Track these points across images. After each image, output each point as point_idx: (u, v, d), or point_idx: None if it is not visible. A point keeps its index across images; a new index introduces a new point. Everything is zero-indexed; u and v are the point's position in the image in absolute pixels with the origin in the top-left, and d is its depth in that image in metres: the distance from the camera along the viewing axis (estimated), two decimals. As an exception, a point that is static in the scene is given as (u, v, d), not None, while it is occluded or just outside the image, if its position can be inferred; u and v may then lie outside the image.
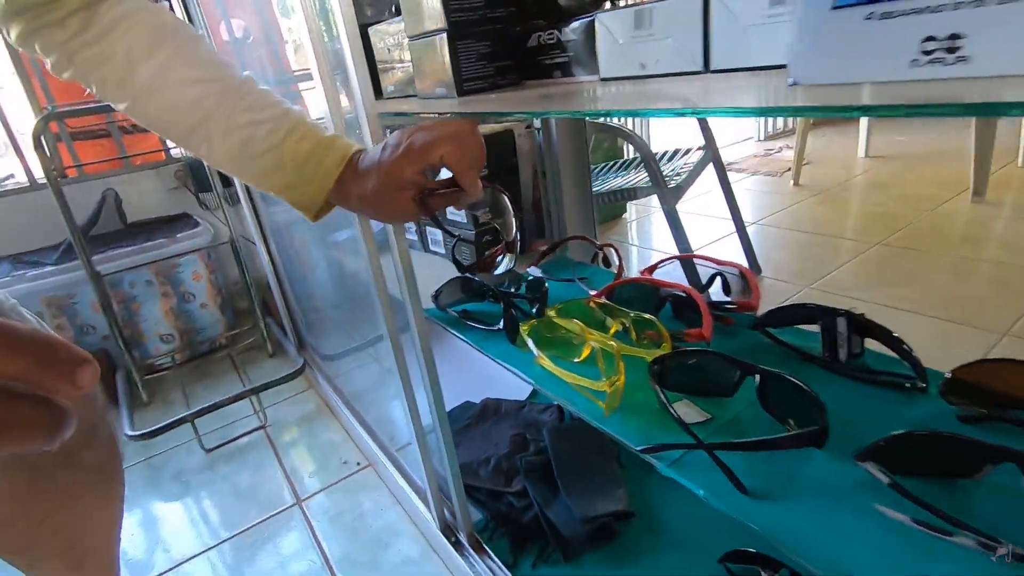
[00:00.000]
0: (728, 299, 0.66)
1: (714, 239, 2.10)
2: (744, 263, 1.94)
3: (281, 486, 1.18)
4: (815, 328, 0.56)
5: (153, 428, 1.28)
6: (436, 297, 0.76)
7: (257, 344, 1.76)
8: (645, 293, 0.67)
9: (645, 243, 2.32)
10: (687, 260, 1.20)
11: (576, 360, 0.59)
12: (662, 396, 0.47)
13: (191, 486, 1.23)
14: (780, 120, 3.83)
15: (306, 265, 1.51)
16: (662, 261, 0.72)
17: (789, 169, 2.84)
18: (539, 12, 0.72)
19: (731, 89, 0.43)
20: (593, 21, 0.61)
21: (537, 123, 0.86)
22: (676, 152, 1.72)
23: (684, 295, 0.62)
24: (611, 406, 0.50)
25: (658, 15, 0.54)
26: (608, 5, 0.66)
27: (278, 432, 1.37)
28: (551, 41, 0.68)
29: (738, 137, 3.85)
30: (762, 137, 3.73)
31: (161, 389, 1.61)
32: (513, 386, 1.23)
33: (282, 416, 1.43)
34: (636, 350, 0.55)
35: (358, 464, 1.21)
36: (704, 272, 0.75)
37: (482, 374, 1.29)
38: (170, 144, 1.86)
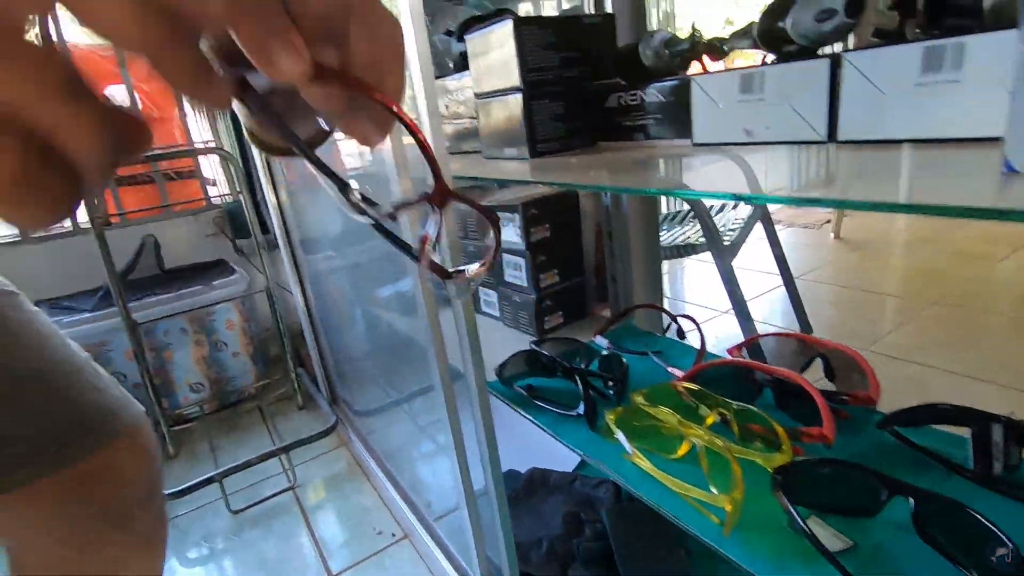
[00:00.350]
0: (834, 386, 0.59)
1: (757, 294, 2.03)
2: (795, 322, 1.85)
3: (310, 559, 1.10)
4: (952, 427, 0.49)
5: (180, 488, 1.22)
6: (501, 371, 0.70)
7: (287, 395, 1.70)
8: (738, 375, 0.60)
9: (678, 296, 2.25)
10: (743, 327, 1.13)
11: (671, 456, 0.52)
12: (798, 520, 0.40)
13: (216, 553, 1.15)
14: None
15: (345, 316, 1.47)
16: (754, 339, 0.65)
17: (828, 221, 2.77)
18: (618, 71, 0.68)
19: (888, 167, 0.37)
20: (687, 83, 0.57)
21: (589, 156, 0.82)
22: (724, 205, 1.67)
23: (791, 382, 0.55)
24: (731, 524, 0.43)
25: (771, 80, 0.49)
26: (699, 67, 0.62)
27: (307, 494, 1.29)
28: (633, 102, 0.64)
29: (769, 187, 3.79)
30: (795, 187, 3.67)
31: (188, 441, 1.55)
32: (559, 454, 1.15)
33: (312, 475, 1.36)
34: (749, 452, 0.48)
35: (393, 535, 1.13)
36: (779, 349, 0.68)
37: (522, 438, 1.22)
38: (212, 192, 1.87)
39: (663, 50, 0.62)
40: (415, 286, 0.70)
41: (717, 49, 0.57)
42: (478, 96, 0.73)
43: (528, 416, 0.65)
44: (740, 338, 1.37)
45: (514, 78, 0.65)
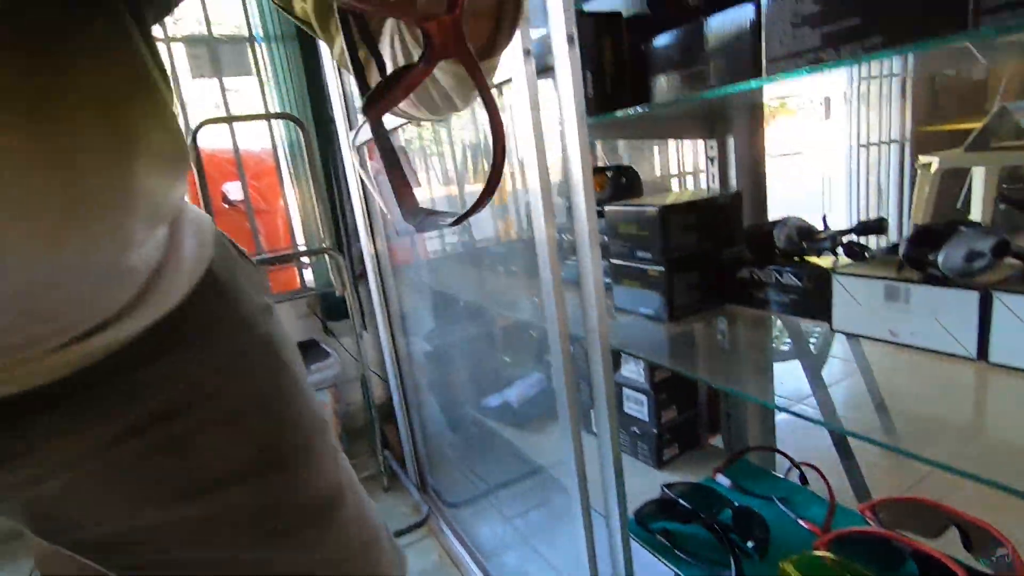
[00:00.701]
0: (976, 561, 0.63)
1: (834, 381, 2.02)
2: (875, 415, 1.83)
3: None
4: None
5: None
6: (640, 515, 0.76)
7: (372, 476, 1.78)
8: (879, 542, 0.64)
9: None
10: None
11: (829, 633, 0.57)
12: None
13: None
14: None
15: (446, 406, 1.54)
16: (885, 501, 0.69)
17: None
18: (749, 247, 0.76)
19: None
20: (826, 274, 0.64)
21: (722, 326, 0.89)
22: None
23: (937, 560, 0.59)
24: None
25: (917, 297, 0.56)
26: (833, 259, 0.69)
27: (404, 586, 1.34)
28: (766, 279, 0.72)
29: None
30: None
31: (284, 521, 1.63)
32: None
33: (405, 566, 1.41)
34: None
35: (495, 640, 1.16)
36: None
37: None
38: (309, 281, 2.02)
39: (797, 238, 0.70)
40: (560, 403, 0.77)
41: (857, 254, 0.64)
42: (614, 255, 0.82)
43: (671, 566, 0.70)
44: (824, 436, 1.37)
45: (656, 253, 0.74)
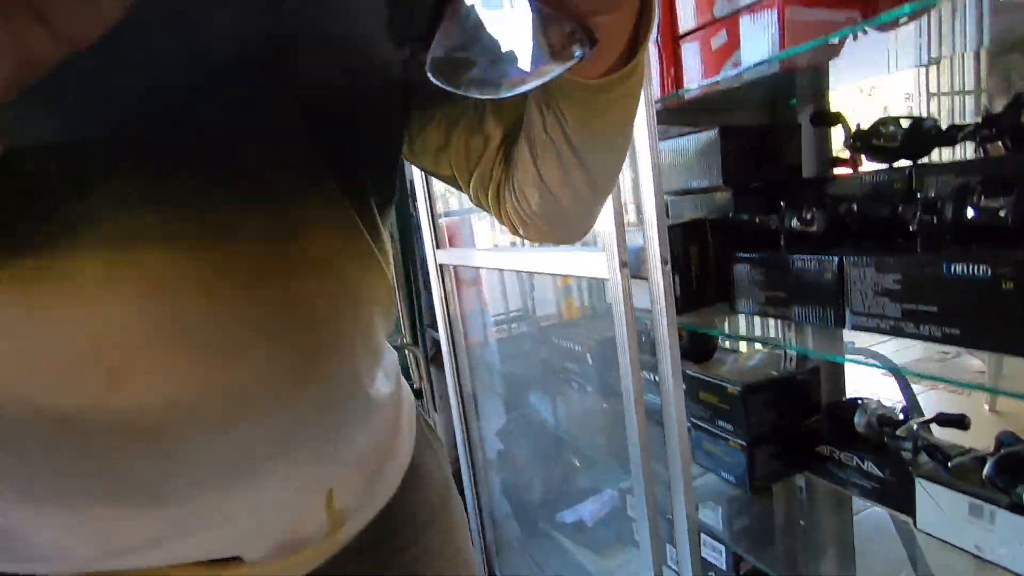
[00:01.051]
0: None
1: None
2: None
3: None
4: None
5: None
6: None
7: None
8: None
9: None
10: None
11: None
12: None
13: None
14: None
15: (511, 493, 1.60)
16: None
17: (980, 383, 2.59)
18: (828, 424, 0.79)
19: None
20: (908, 472, 0.67)
21: (800, 482, 0.92)
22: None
23: None
24: None
25: (1002, 520, 0.58)
26: (925, 460, 0.71)
27: None
28: (847, 463, 0.75)
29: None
30: (933, 332, 3.44)
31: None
32: None
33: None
34: None
35: None
36: None
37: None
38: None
39: (877, 425, 0.73)
40: (640, 533, 0.82)
41: (939, 459, 0.67)
42: (693, 416, 0.87)
43: None
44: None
45: (739, 428, 0.79)
